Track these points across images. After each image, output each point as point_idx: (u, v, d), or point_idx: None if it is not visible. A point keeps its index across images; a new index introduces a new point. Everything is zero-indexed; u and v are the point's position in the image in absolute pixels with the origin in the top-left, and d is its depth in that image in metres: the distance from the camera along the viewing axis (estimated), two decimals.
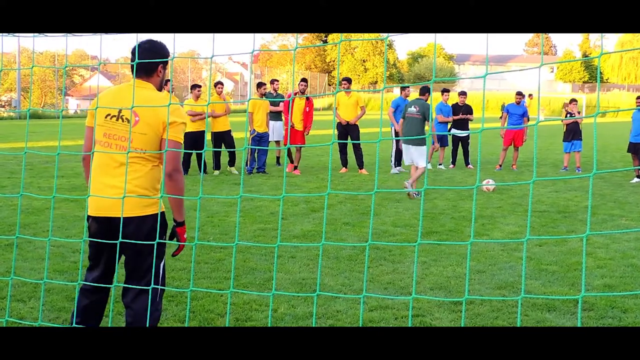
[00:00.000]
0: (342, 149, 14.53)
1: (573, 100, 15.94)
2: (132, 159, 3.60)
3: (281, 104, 14.14)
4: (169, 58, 3.80)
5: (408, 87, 15.82)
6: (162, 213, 3.74)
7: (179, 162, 3.67)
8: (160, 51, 3.78)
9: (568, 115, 15.77)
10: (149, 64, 3.72)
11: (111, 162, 3.66)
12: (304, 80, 14.55)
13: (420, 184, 11.42)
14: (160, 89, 3.84)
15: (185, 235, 3.83)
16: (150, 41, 3.81)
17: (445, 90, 15.98)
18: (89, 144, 3.82)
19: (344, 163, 14.45)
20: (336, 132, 14.19)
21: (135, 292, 3.72)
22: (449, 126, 15.85)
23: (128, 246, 3.57)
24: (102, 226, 3.68)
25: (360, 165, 14.21)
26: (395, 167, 14.85)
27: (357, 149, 14.30)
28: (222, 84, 14.11)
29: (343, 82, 14.49)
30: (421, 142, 10.94)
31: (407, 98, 14.44)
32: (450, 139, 15.97)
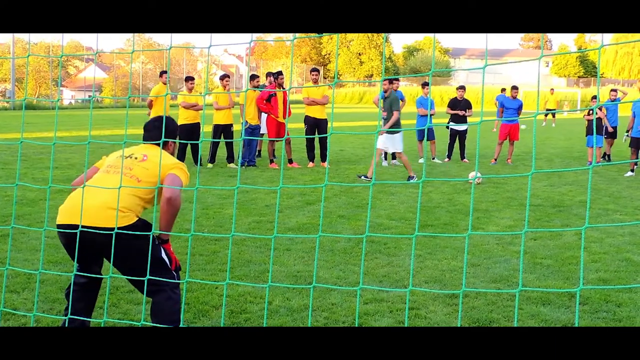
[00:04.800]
0: (311, 143, 14.27)
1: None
2: (124, 184, 3.73)
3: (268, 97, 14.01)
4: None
5: (398, 79, 15.88)
6: (140, 219, 3.87)
7: (180, 192, 3.85)
8: (169, 127, 4.14)
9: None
10: (161, 138, 3.96)
11: (103, 184, 3.83)
12: (281, 73, 14.45)
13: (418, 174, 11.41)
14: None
15: (172, 251, 3.99)
16: (159, 117, 4.15)
17: (425, 84, 16.75)
18: (85, 176, 3.96)
19: (311, 158, 14.19)
20: (305, 126, 14.10)
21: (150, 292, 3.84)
22: (447, 120, 15.90)
23: (121, 253, 3.67)
24: (82, 235, 3.70)
25: (323, 158, 14.14)
26: (385, 159, 14.84)
27: (324, 142, 14.19)
28: (228, 77, 13.92)
29: (313, 73, 14.40)
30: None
31: (398, 89, 15.05)
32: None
